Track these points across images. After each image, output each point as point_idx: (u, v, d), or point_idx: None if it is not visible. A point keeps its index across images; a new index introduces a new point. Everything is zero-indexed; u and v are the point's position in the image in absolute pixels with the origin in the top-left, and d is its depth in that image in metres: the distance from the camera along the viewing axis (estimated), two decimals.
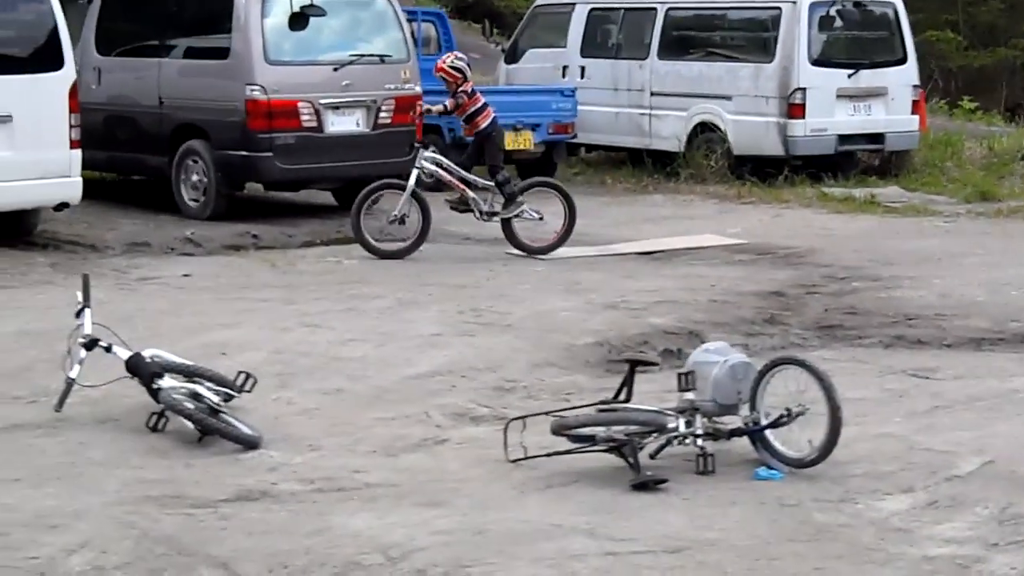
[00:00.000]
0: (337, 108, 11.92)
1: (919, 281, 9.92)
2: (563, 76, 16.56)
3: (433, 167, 10.70)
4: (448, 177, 10.78)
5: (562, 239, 11.08)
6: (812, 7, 14.77)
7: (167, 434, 6.24)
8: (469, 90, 10.74)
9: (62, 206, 11.02)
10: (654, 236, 12.03)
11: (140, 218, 12.40)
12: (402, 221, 10.57)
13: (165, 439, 6.20)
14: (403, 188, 10.52)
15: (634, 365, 6.16)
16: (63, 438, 6.17)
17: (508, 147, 14.73)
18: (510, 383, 7.28)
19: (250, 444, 6.09)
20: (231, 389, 6.47)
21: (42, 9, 10.73)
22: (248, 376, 6.50)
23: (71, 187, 10.87)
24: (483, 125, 10.77)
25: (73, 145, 10.80)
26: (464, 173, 10.81)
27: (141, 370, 6.38)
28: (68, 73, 10.80)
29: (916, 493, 5.60)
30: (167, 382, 6.30)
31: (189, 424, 6.15)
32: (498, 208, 10.86)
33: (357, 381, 7.23)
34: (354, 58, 12.37)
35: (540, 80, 16.46)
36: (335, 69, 12.27)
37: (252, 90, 11.97)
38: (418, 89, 12.97)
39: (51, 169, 10.70)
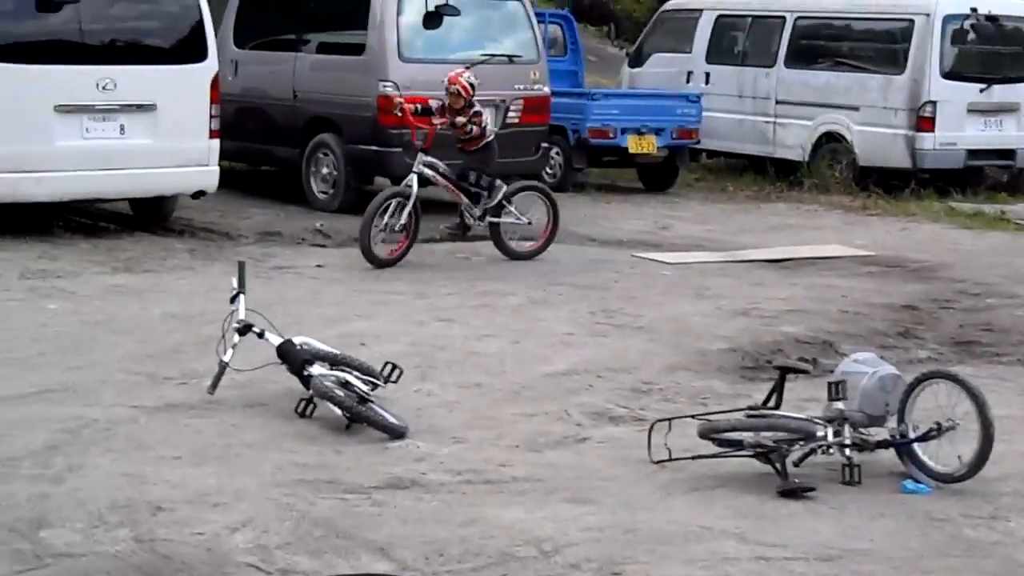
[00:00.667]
0: None
1: None
2: (687, 81, 16.56)
3: (431, 172, 10.44)
4: (444, 182, 10.56)
5: (547, 243, 10.94)
6: (946, 20, 14.62)
7: (314, 420, 6.36)
8: (479, 109, 10.46)
9: (199, 194, 11.29)
10: (779, 244, 11.97)
11: (270, 208, 12.66)
12: (403, 229, 10.36)
13: (313, 425, 6.32)
14: (408, 197, 10.28)
15: (785, 372, 6.16)
16: (217, 420, 6.32)
17: (631, 151, 14.82)
18: (646, 385, 7.31)
19: (397, 434, 6.18)
20: (376, 379, 6.59)
21: (188, 2, 11.01)
22: (395, 367, 6.62)
23: (209, 176, 11.13)
24: (486, 140, 10.51)
25: (212, 135, 11.06)
26: (458, 180, 10.55)
27: (291, 357, 6.51)
28: (211, 65, 11.07)
29: None
30: (317, 369, 6.42)
31: (338, 411, 6.26)
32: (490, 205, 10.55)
33: (495, 376, 7.31)
34: (485, 58, 12.46)
35: (663, 85, 16.47)
36: (466, 68, 12.36)
37: (385, 86, 12.14)
38: (547, 90, 13.09)
39: (191, 157, 10.97)
